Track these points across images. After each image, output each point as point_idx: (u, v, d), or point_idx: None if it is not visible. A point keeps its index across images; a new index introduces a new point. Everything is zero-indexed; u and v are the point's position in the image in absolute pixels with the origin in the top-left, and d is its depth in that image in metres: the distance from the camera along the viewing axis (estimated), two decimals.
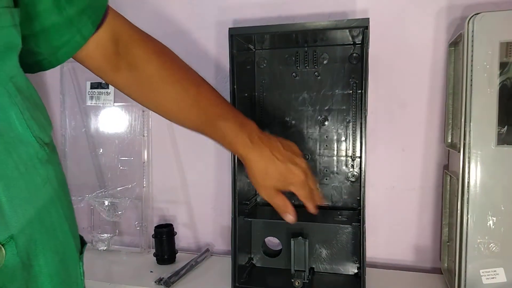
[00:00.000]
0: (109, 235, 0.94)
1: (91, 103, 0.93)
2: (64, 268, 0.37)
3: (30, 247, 0.32)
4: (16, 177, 0.31)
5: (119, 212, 0.93)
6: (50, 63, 0.42)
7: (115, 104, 0.92)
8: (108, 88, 0.91)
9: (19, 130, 0.32)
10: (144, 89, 0.50)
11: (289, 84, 0.78)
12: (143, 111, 0.90)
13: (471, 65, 0.59)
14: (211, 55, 0.86)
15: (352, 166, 0.77)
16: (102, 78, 0.49)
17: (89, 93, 0.93)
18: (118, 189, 0.94)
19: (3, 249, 0.29)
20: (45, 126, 0.37)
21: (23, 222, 0.31)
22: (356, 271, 0.76)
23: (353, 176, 0.77)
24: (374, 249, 0.81)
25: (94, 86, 0.91)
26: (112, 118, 0.93)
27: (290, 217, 0.57)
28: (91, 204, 0.94)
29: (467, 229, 0.61)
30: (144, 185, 0.91)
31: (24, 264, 0.32)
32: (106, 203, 0.93)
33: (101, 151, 0.95)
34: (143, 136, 0.91)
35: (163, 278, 0.75)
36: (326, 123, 0.77)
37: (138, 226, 0.93)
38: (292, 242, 0.71)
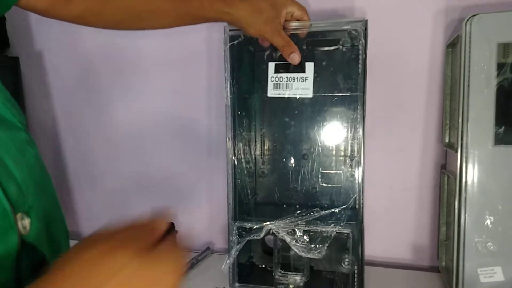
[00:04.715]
0: None
1: None
2: (63, 228, 0.44)
3: (43, 215, 0.37)
4: (20, 158, 0.35)
5: None
6: None
7: None
8: None
9: (9, 118, 0.36)
10: (105, 2, 0.49)
11: None
12: None
13: (469, 66, 0.59)
14: (212, 56, 0.87)
15: (351, 166, 0.77)
16: (54, 16, 0.48)
17: None
18: None
19: (28, 217, 0.34)
20: (21, 115, 0.40)
21: (33, 194, 0.36)
22: (354, 269, 0.77)
23: (351, 176, 0.77)
24: (372, 247, 0.82)
25: None
26: None
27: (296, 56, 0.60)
28: None
29: (464, 228, 0.61)
30: None
31: (45, 227, 0.37)
32: None
33: None
34: None
35: None
36: (325, 123, 0.78)
37: None
38: None
